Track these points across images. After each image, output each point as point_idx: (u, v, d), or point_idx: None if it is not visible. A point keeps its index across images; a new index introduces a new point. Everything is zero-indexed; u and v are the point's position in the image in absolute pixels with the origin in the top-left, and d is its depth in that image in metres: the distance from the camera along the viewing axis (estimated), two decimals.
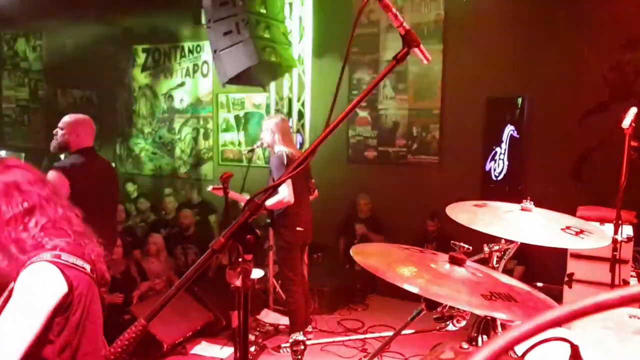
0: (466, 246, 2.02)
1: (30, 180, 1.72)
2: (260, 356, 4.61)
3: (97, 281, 1.73)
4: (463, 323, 2.05)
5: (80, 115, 3.96)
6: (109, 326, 1.83)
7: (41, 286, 1.58)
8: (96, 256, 1.75)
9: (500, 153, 5.89)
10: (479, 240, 2.30)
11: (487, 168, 5.97)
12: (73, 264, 1.63)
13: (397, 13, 1.28)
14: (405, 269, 1.77)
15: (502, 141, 5.86)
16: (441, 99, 6.33)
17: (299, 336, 4.36)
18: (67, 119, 3.89)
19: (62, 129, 3.86)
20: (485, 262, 2.32)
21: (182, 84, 8.30)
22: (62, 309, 1.60)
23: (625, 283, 3.61)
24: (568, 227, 2.20)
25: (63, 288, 1.59)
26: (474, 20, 5.96)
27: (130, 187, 8.15)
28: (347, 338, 4.90)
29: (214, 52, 4.98)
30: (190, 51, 8.15)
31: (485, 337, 2.21)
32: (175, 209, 6.99)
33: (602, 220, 3.87)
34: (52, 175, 3.60)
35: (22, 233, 1.63)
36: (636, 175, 3.21)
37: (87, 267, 1.68)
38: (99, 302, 1.75)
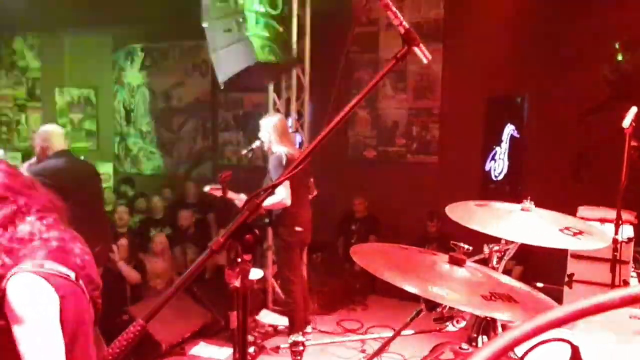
0: (466, 246, 2.01)
1: (10, 182, 1.65)
2: (259, 357, 4.61)
3: (84, 288, 1.65)
4: (463, 324, 2.04)
5: (46, 125, 4.20)
6: (108, 327, 1.80)
7: (39, 302, 1.52)
8: (83, 261, 1.67)
9: (501, 153, 5.88)
10: (480, 240, 2.30)
11: (487, 168, 5.96)
12: (57, 271, 1.57)
13: (397, 12, 1.27)
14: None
15: (502, 141, 5.86)
16: (441, 98, 6.33)
17: (298, 337, 4.35)
18: (37, 132, 4.15)
19: (35, 143, 4.06)
20: (485, 262, 2.31)
21: (180, 83, 8.29)
22: None
23: (626, 283, 3.60)
24: (567, 228, 2.19)
25: (55, 297, 1.54)
26: (473, 19, 5.95)
27: (126, 189, 8.13)
28: (347, 338, 4.90)
29: (213, 50, 4.97)
30: (189, 50, 8.13)
31: (485, 337, 2.20)
32: (163, 208, 6.98)
33: (603, 221, 3.86)
34: None
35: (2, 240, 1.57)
36: (636, 175, 3.20)
37: (72, 275, 1.60)
38: (89, 310, 1.68)
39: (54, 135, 4.07)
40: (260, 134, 4.58)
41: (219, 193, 4.24)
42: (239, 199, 4.46)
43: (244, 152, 4.92)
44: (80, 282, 1.64)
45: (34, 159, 4.14)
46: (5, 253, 1.57)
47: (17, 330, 1.50)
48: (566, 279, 4.05)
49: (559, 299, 3.92)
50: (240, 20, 4.78)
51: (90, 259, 1.74)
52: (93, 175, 4.33)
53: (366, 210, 6.61)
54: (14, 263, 1.56)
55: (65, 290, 1.58)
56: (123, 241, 5.15)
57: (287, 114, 5.79)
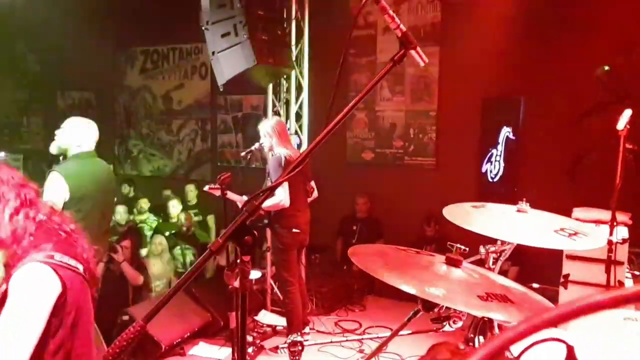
0: (462, 247, 2.04)
1: (16, 180, 1.71)
2: (258, 357, 4.62)
3: (89, 281, 1.72)
4: (459, 324, 2.07)
5: (81, 119, 3.94)
6: (109, 327, 1.83)
7: (37, 288, 1.57)
8: (88, 256, 1.74)
9: (497, 155, 5.91)
10: (477, 241, 2.32)
11: (484, 170, 5.99)
12: (66, 263, 1.63)
13: (394, 15, 1.29)
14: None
15: (498, 143, 5.88)
16: (438, 100, 6.35)
17: (297, 337, 4.37)
18: (69, 121, 3.87)
19: (63, 131, 3.84)
20: (481, 263, 2.34)
21: (180, 86, 8.30)
22: (57, 309, 1.60)
23: (621, 284, 3.62)
24: (562, 229, 2.22)
25: (58, 288, 1.59)
26: (470, 22, 5.96)
27: (126, 189, 8.13)
28: (345, 339, 4.91)
29: (212, 53, 4.99)
30: (188, 53, 8.15)
31: (481, 338, 2.23)
32: (178, 214, 6.94)
33: (598, 222, 3.88)
34: (53, 177, 3.59)
35: (12, 232, 1.62)
36: (631, 177, 3.23)
37: (80, 267, 1.67)
38: (91, 302, 1.75)
39: (86, 130, 3.83)
40: (261, 139, 4.60)
41: (218, 192, 4.26)
42: (238, 199, 4.48)
43: (243, 154, 4.93)
44: (87, 274, 1.70)
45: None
46: (18, 244, 1.62)
47: (4, 309, 1.55)
48: (561, 279, 4.07)
49: (554, 300, 3.94)
50: (240, 23, 4.80)
51: (93, 257, 1.79)
52: (110, 183, 4.24)
53: (368, 211, 6.62)
54: (25, 253, 1.61)
55: (73, 281, 1.63)
56: (126, 243, 5.15)
57: (286, 116, 5.82)
